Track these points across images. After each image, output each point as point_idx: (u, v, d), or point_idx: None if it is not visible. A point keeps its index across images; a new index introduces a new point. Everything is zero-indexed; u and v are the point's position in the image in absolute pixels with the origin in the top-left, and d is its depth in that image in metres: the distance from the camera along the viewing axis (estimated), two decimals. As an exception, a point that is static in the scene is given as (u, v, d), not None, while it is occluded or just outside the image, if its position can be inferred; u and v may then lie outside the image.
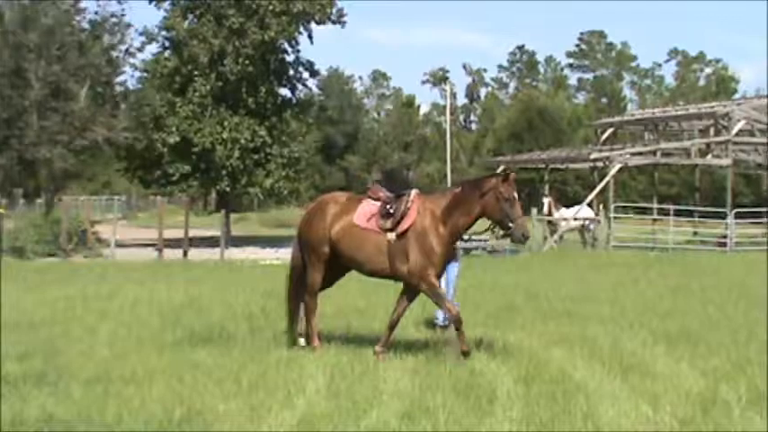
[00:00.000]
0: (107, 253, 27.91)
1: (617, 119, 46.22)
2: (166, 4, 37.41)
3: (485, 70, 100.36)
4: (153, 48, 37.85)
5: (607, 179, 32.91)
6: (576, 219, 32.23)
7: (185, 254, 27.42)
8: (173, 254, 27.11)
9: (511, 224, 8.80)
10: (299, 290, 9.72)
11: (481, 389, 7.55)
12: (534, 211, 30.77)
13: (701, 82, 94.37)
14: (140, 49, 36.00)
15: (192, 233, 29.52)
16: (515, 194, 8.83)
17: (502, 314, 12.22)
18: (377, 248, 9.08)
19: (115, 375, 8.13)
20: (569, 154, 40.91)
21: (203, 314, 12.40)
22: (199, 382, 7.82)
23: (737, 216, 33.51)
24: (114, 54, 34.39)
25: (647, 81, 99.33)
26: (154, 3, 37.39)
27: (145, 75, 37.82)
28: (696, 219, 35.83)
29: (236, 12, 35.29)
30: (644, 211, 38.87)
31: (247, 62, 35.21)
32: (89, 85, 32.05)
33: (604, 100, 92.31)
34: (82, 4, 34.13)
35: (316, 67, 39.73)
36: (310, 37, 38.17)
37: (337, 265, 9.53)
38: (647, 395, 7.29)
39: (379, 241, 9.08)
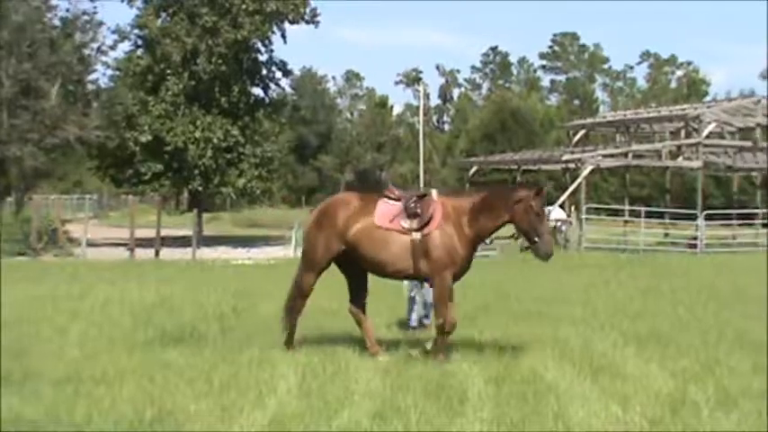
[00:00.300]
0: (78, 252, 27.71)
1: (589, 121, 46.55)
2: (139, 3, 37.31)
3: (458, 71, 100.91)
4: (125, 46, 37.72)
5: (579, 180, 33.12)
6: (548, 220, 32.37)
7: (157, 253, 27.29)
8: (144, 253, 26.97)
9: (536, 239, 8.88)
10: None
11: (452, 389, 7.57)
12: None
13: (673, 84, 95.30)
14: (112, 48, 35.92)
15: (163, 233, 29.38)
16: (545, 210, 8.95)
17: (474, 315, 12.25)
18: (402, 249, 8.96)
19: (85, 375, 8.06)
20: (542, 155, 41.17)
21: (175, 314, 12.34)
22: (170, 382, 7.79)
23: (708, 218, 33.86)
24: (86, 52, 34.20)
25: (619, 83, 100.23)
26: (126, 1, 37.29)
27: (117, 73, 37.65)
28: (667, 220, 36.17)
29: (209, 11, 35.18)
30: (615, 212, 39.17)
31: (220, 61, 35.11)
32: (60, 83, 31.82)
33: (577, 102, 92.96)
34: (53, 2, 33.99)
35: (289, 67, 39.84)
36: (284, 36, 38.18)
37: (354, 269, 9.35)
38: (618, 396, 7.33)
39: (403, 242, 8.96)
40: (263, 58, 38.63)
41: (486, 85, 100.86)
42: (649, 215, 35.59)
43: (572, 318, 12.01)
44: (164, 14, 36.94)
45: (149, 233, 29.07)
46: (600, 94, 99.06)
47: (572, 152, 36.65)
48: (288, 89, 44.72)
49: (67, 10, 33.92)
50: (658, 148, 36.33)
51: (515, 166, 41.99)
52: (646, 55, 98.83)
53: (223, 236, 41.02)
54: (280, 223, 46.00)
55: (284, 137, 41.32)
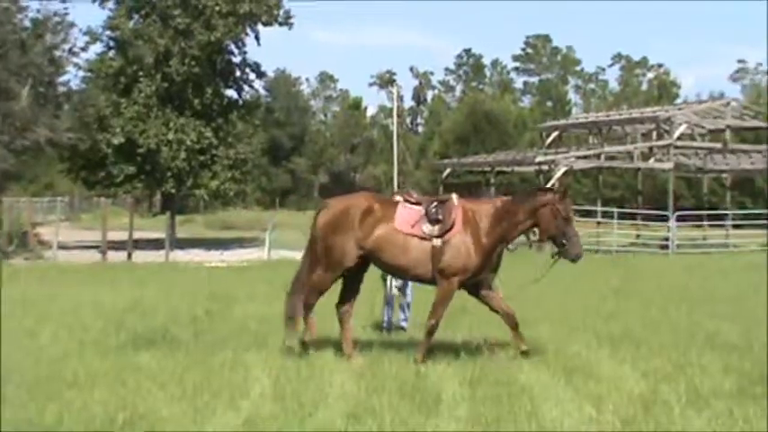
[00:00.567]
0: (49, 255, 27.43)
1: (562, 122, 46.77)
2: (111, 4, 36.94)
3: (432, 73, 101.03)
4: (97, 48, 37.26)
5: (552, 182, 33.24)
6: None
7: (129, 256, 27.09)
8: (117, 256, 26.75)
9: (565, 242, 8.86)
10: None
11: (427, 391, 7.59)
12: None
13: (644, 86, 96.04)
14: (84, 49, 35.52)
15: (136, 235, 29.19)
16: (572, 212, 8.91)
17: (452, 316, 12.27)
18: (424, 254, 8.90)
19: (57, 379, 8.00)
20: (515, 157, 41.37)
21: (147, 317, 12.28)
22: (142, 385, 7.75)
23: (679, 219, 34.16)
24: (57, 53, 33.83)
25: (592, 85, 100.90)
26: (98, 2, 36.88)
27: (89, 75, 37.26)
28: (639, 222, 36.46)
29: (181, 12, 34.96)
30: (588, 213, 39.43)
31: (193, 63, 34.91)
32: (31, 84, 31.45)
33: (550, 103, 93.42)
34: (23, 2, 33.49)
35: (262, 69, 39.59)
36: (257, 38, 38.02)
37: (353, 270, 9.21)
38: (591, 396, 7.38)
39: (424, 247, 8.90)
40: (236, 59, 38.44)
41: (459, 87, 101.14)
42: (622, 216, 35.86)
43: (546, 319, 12.07)
44: (136, 16, 36.63)
45: (122, 236, 28.86)
46: (572, 95, 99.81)
47: (545, 154, 36.86)
48: (261, 91, 44.51)
49: (38, 11, 33.48)
50: (630, 149, 36.62)
51: (489, 168, 42.14)
52: (617, 57, 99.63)
53: (196, 238, 40.79)
54: (253, 225, 45.87)
55: (258, 138, 41.03)
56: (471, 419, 6.71)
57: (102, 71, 36.09)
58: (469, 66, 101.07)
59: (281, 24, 37.84)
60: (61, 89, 35.20)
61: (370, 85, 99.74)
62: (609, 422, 6.70)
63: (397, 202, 9.16)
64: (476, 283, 9.11)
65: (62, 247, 29.02)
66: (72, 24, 34.13)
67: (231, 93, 38.89)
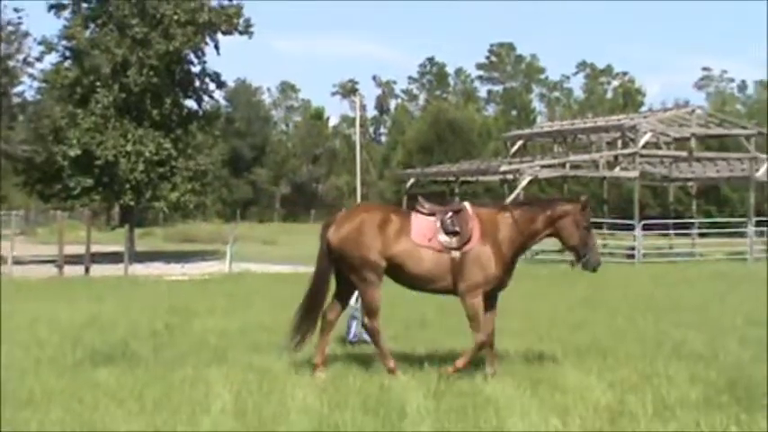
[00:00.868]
0: (4, 270, 26.88)
1: (526, 131, 46.95)
2: (66, 13, 36.50)
3: (394, 82, 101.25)
4: (52, 57, 36.79)
5: (517, 191, 33.34)
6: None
7: (87, 270, 26.66)
8: (74, 270, 26.32)
9: (586, 252, 8.91)
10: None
11: (391, 405, 7.50)
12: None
13: (609, 95, 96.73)
14: (39, 59, 35.15)
15: (94, 249, 28.75)
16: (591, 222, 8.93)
17: (413, 328, 12.19)
18: (443, 267, 8.74)
19: (11, 398, 7.81)
20: (479, 166, 41.42)
21: (105, 332, 12.09)
22: (100, 402, 7.64)
23: (645, 228, 34.38)
24: (11, 64, 33.39)
25: (556, 93, 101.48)
26: (53, 11, 36.40)
27: (44, 85, 36.77)
28: (605, 231, 36.68)
29: (139, 21, 34.65)
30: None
31: (152, 73, 34.58)
32: (-16, 95, 30.96)
33: (514, 112, 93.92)
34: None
35: (222, 79, 39.36)
36: (217, 48, 37.78)
37: (348, 279, 9.02)
38: (557, 408, 7.35)
39: (442, 259, 8.73)
40: (195, 69, 38.18)
41: (423, 96, 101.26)
42: (588, 226, 35.95)
43: (511, 330, 12.00)
44: (92, 25, 36.23)
45: (79, 249, 28.41)
46: (537, 104, 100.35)
47: (510, 163, 36.92)
48: (222, 101, 44.28)
49: (-9, 20, 33.13)
50: (595, 158, 36.80)
51: (453, 178, 42.11)
52: (582, 65, 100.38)
53: (156, 251, 40.36)
54: (214, 238, 45.52)
55: (218, 149, 40.77)
56: (436, 433, 6.63)
57: (57, 82, 35.62)
58: (433, 74, 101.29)
59: (241, 33, 37.68)
60: (16, 100, 34.76)
61: (333, 94, 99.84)
62: (575, 434, 6.66)
63: (410, 213, 9.04)
64: (487, 296, 8.96)
65: (17, 262, 28.53)
66: (26, 34, 33.81)
67: (191, 103, 38.64)
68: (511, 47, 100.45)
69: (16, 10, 34.63)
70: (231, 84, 68.53)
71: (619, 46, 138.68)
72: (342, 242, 8.85)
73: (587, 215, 8.94)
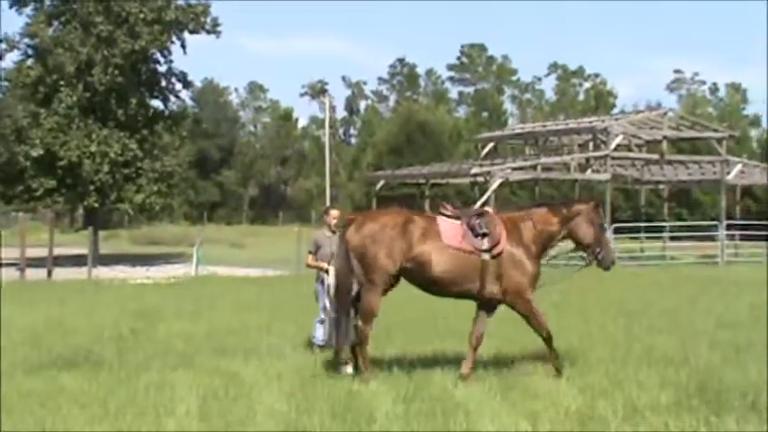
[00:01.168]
0: (-36, 273, 26.41)
1: (498, 133, 46.98)
2: (29, 10, 36.07)
3: (364, 83, 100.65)
4: (14, 56, 36.44)
5: (488, 194, 33.24)
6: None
7: (50, 273, 26.26)
8: (36, 274, 25.93)
9: (600, 250, 9.18)
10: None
11: (359, 410, 7.45)
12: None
13: (581, 96, 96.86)
14: (0, 57, 34.56)
15: (57, 251, 28.40)
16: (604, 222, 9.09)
17: (380, 335, 12.06)
18: (473, 269, 8.79)
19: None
20: (450, 169, 41.34)
21: (69, 337, 12.01)
22: (63, 407, 7.59)
23: (616, 231, 34.51)
24: (-29, 62, 32.85)
25: (528, 95, 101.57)
26: (15, 8, 35.93)
27: (5, 84, 36.31)
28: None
29: (104, 19, 34.31)
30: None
31: (117, 72, 34.25)
32: (-56, 94, 30.46)
33: (485, 114, 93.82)
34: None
35: (189, 78, 39.14)
36: (183, 47, 37.53)
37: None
38: (527, 412, 7.34)
39: (473, 262, 8.79)
40: (162, 68, 37.93)
41: (393, 97, 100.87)
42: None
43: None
44: (56, 23, 35.85)
45: (41, 252, 28.02)
46: (509, 105, 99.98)
47: (481, 165, 36.83)
48: (188, 101, 44.04)
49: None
50: (567, 160, 36.87)
51: (423, 180, 42.01)
52: (554, 67, 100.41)
53: (121, 254, 39.96)
54: (180, 240, 45.15)
55: (185, 150, 40.49)
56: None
57: (19, 80, 35.21)
58: (403, 75, 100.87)
59: (208, 32, 37.49)
60: (-24, 99, 34.19)
61: (302, 95, 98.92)
62: (545, 438, 6.63)
63: (434, 216, 9.13)
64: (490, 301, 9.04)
65: (-22, 264, 28.04)
66: (-13, 31, 33.20)
67: (157, 103, 38.39)
68: (482, 48, 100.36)
69: (-24, 7, 34.14)
70: (198, 84, 68.30)
71: (590, 48, 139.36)
72: (362, 241, 8.84)
73: (600, 214, 9.22)
